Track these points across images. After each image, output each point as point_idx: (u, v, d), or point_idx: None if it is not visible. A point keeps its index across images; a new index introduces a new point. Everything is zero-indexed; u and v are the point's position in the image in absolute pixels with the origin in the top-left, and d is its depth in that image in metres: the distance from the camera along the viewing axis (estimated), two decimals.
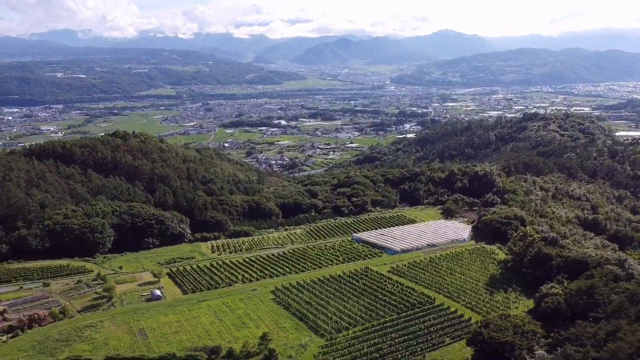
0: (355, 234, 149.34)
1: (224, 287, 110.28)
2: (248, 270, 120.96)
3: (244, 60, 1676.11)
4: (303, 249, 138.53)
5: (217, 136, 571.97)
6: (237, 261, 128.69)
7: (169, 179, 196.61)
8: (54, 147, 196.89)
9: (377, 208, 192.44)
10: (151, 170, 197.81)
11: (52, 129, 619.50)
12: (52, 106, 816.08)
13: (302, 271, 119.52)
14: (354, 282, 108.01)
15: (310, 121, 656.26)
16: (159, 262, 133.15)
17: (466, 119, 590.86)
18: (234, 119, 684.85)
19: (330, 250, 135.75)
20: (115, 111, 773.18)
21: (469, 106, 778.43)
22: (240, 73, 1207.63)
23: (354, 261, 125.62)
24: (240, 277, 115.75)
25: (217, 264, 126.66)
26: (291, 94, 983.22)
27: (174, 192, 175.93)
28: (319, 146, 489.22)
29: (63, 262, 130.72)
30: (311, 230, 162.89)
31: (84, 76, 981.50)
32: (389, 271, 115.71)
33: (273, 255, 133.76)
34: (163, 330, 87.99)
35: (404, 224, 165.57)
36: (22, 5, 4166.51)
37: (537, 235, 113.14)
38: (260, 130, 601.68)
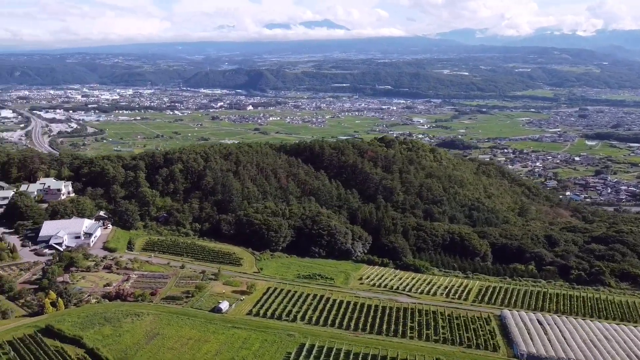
0: (504, 310, 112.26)
1: (286, 321, 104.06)
2: (333, 314, 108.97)
3: None
4: (431, 309, 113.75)
5: (573, 148, 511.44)
6: (344, 299, 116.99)
7: (393, 192, 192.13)
8: (312, 146, 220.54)
9: (623, 284, 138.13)
10: (380, 180, 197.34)
11: (420, 120, 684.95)
12: (431, 100, 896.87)
13: (378, 334, 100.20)
14: None
15: None
16: (299, 274, 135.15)
17: None
18: (605, 130, 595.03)
19: (451, 322, 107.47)
20: (484, 109, 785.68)
21: None
22: (639, 77, 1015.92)
23: (454, 345, 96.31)
24: (308, 317, 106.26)
25: (320, 297, 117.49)
26: None
27: (369, 211, 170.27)
28: None
29: (234, 249, 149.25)
30: (491, 288, 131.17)
31: (466, 74, 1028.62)
32: None
33: (391, 305, 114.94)
34: (169, 343, 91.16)
35: (623, 319, 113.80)
36: (431, 8, 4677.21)
37: None
38: (630, 147, 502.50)
